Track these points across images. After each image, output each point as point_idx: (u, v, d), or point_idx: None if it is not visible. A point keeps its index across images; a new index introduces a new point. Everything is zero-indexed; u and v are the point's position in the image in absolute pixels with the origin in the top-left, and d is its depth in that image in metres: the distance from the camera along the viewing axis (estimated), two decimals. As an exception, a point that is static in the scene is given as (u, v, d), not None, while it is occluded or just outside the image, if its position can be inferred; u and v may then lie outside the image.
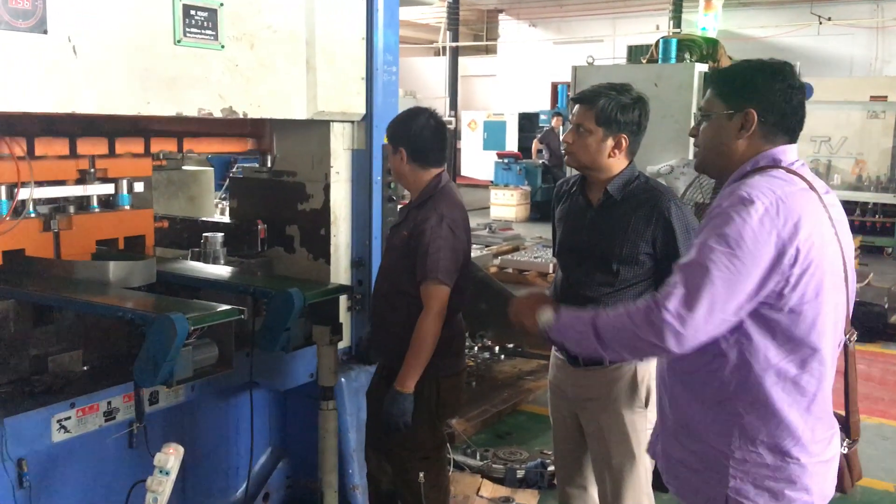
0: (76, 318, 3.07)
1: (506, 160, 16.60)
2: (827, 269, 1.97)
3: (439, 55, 23.18)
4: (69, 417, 2.81)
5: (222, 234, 3.81)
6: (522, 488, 4.34)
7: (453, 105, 21.37)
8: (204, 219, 4.10)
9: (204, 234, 3.80)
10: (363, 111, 3.79)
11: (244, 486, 3.81)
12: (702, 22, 14.97)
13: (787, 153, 2.06)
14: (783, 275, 1.90)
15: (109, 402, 2.93)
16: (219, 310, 2.76)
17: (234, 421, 3.70)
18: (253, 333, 3.21)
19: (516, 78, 22.89)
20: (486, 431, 5.17)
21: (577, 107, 2.92)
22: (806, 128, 2.08)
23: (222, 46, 3.16)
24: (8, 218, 3.09)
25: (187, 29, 3.04)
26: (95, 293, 2.95)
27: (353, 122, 3.81)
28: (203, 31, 3.10)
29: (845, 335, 2.07)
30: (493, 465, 4.48)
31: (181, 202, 4.60)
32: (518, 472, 4.40)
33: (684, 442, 2.17)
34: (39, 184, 3.23)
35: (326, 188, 3.78)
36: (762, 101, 2.04)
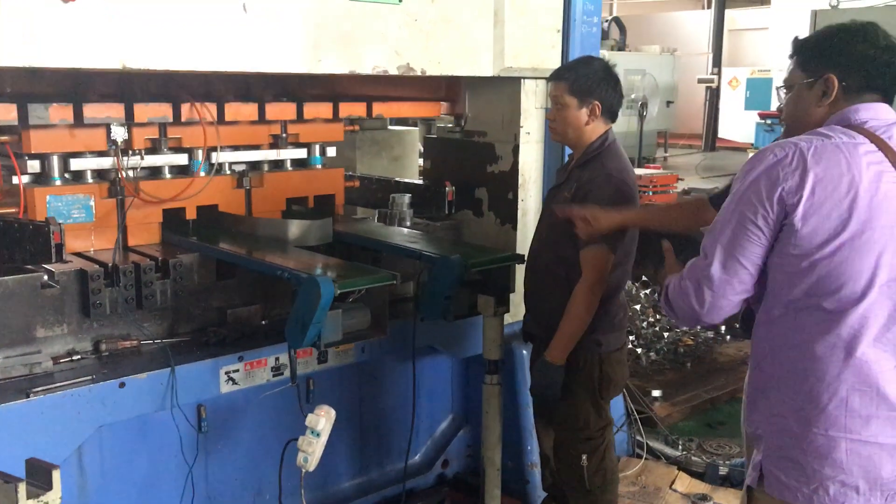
0: (257, 274, 3.14)
1: (769, 121, 15.20)
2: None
3: (705, 8, 21.70)
4: (237, 370, 2.88)
5: (409, 195, 3.74)
6: (725, 486, 3.90)
7: (717, 62, 19.92)
8: (398, 179, 4.05)
9: (392, 195, 3.75)
10: (558, 66, 3.51)
11: (422, 450, 3.79)
12: None
13: (861, 112, 1.93)
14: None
15: (277, 359, 2.97)
16: (369, 275, 2.67)
17: (410, 386, 3.65)
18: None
19: (793, 30, 20.81)
20: (694, 419, 4.72)
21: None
22: None
23: (400, 0, 3.05)
24: (201, 174, 3.23)
25: (364, -18, 2.95)
26: (268, 250, 2.99)
27: (546, 78, 3.55)
28: (381, -15, 3.00)
29: None
30: (693, 458, 4.07)
31: (384, 162, 4.61)
32: (721, 468, 3.95)
33: None
34: (235, 148, 3.35)
35: (515, 149, 3.57)
36: (842, 65, 1.96)
